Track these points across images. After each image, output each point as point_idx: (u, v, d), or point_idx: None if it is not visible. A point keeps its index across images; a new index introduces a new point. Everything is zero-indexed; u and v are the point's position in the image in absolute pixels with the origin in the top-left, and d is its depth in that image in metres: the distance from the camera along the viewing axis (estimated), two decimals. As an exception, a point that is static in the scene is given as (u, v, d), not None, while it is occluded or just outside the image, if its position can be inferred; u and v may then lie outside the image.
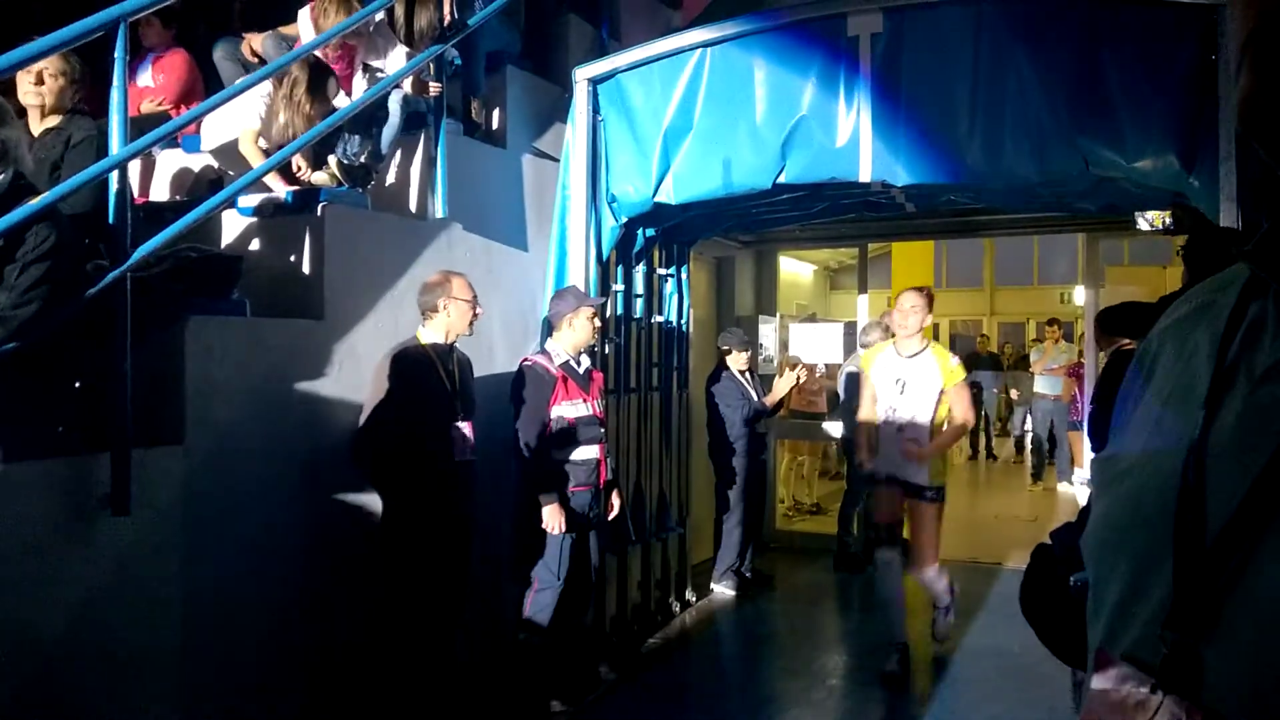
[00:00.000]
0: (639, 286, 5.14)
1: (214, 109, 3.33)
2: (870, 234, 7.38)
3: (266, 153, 3.67)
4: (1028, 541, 1.27)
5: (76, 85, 3.13)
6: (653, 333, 5.31)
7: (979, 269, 19.30)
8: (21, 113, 3.13)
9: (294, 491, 3.28)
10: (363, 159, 3.93)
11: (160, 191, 4.35)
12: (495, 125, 4.71)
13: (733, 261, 7.34)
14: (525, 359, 4.00)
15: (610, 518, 4.27)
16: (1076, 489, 8.94)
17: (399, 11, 4.43)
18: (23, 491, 2.40)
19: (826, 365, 7.61)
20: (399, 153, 4.20)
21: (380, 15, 4.08)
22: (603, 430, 4.11)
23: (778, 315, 7.83)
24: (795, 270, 9.88)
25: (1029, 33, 3.72)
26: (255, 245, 3.68)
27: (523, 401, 3.86)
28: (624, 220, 4.67)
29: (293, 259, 3.54)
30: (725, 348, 5.91)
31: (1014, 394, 12.62)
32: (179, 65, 4.46)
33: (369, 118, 3.90)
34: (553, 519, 3.76)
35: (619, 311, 4.93)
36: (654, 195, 4.44)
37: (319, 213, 3.49)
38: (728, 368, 5.85)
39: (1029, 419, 10.84)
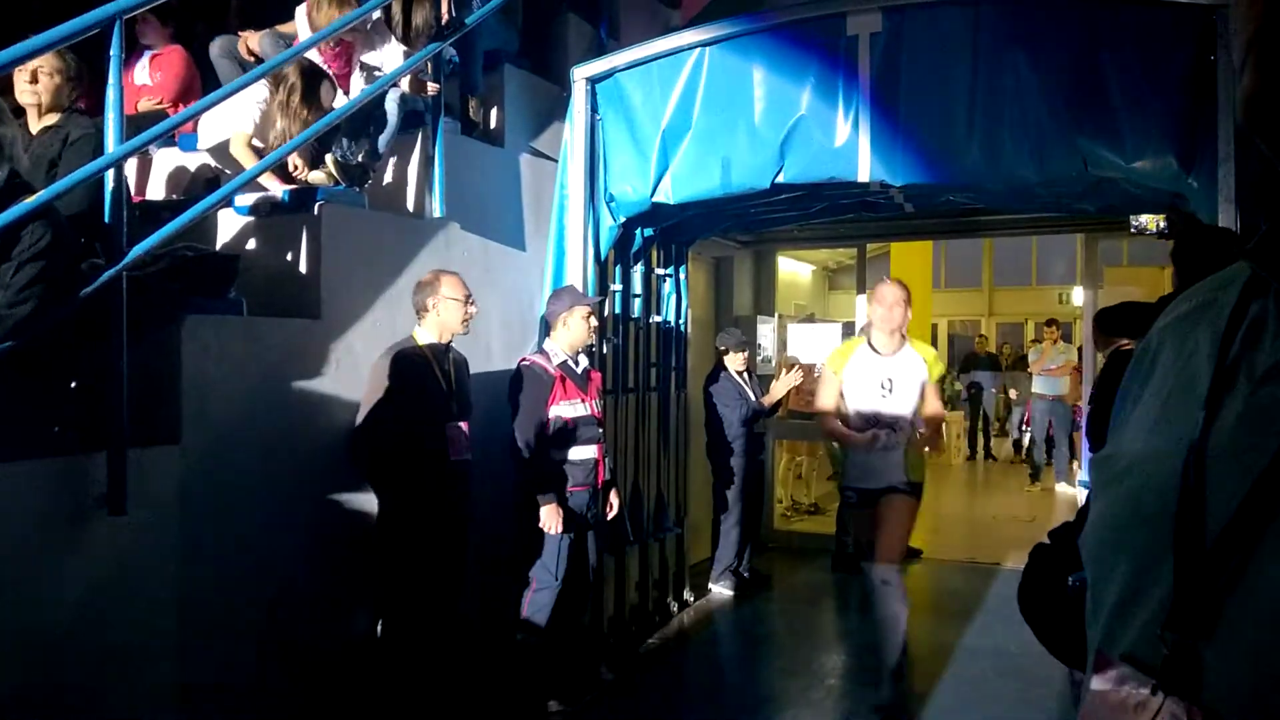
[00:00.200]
0: (637, 286, 5.13)
1: (210, 107, 3.32)
2: (869, 234, 7.38)
3: (260, 155, 3.66)
4: (1026, 541, 1.26)
5: (73, 83, 3.12)
6: (651, 333, 5.30)
7: (977, 269, 19.32)
8: (22, 112, 3.13)
9: (291, 491, 3.28)
10: (360, 158, 3.92)
11: (157, 190, 4.34)
12: (493, 124, 4.70)
13: (731, 261, 7.34)
14: (523, 359, 4.00)
15: (609, 518, 4.27)
16: (1077, 489, 8.94)
17: (396, 10, 4.42)
18: (19, 491, 2.39)
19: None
20: (396, 152, 4.19)
21: (377, 14, 4.08)
22: (601, 430, 4.10)
23: (776, 315, 7.83)
24: (794, 270, 9.88)
25: (1028, 33, 3.72)
26: (252, 244, 3.67)
27: (521, 401, 3.85)
28: (622, 220, 4.66)
29: (289, 258, 3.54)
30: (722, 348, 5.91)
31: (1012, 394, 12.63)
32: (177, 63, 4.46)
33: (366, 117, 3.90)
34: (550, 519, 3.75)
35: (617, 311, 4.92)
36: (652, 195, 4.43)
37: (316, 212, 3.49)
38: (726, 368, 5.84)
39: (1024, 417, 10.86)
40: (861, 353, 4.01)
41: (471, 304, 3.61)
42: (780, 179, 4.14)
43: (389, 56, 4.17)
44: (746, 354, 5.93)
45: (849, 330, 7.37)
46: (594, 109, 4.56)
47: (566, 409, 3.91)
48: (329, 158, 3.83)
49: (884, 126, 3.92)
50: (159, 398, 2.82)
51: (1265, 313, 0.66)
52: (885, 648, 3.95)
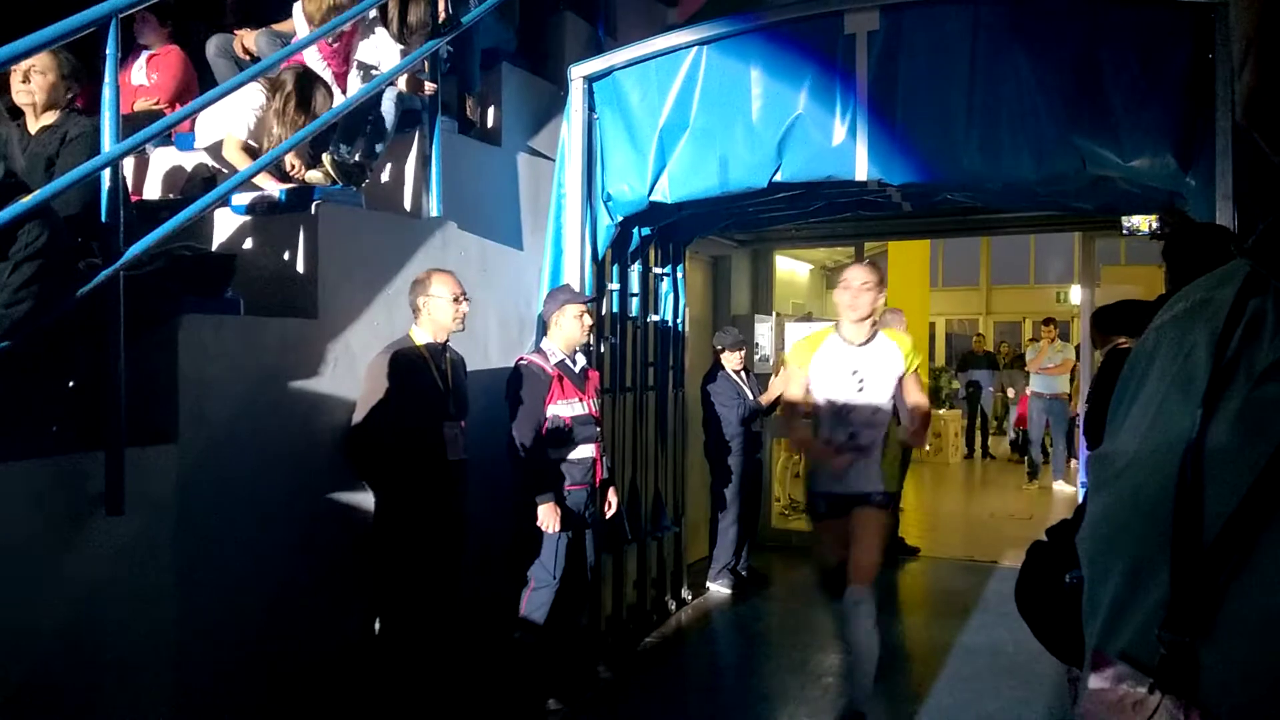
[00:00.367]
0: (635, 285, 5.13)
1: (206, 106, 3.31)
2: (866, 233, 7.37)
3: (254, 158, 3.64)
4: (1023, 540, 1.26)
5: (69, 82, 3.11)
6: (648, 332, 5.30)
7: (975, 268, 19.31)
8: (21, 113, 3.13)
9: (288, 490, 3.27)
10: (357, 157, 3.91)
11: (154, 189, 4.33)
12: (490, 123, 4.70)
13: (729, 260, 7.33)
14: (521, 358, 4.00)
15: (607, 517, 4.27)
16: (1076, 488, 8.96)
17: (392, 8, 4.41)
18: (17, 491, 2.39)
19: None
20: (393, 151, 4.18)
21: (373, 12, 4.07)
22: (598, 429, 4.10)
23: (774, 314, 7.82)
24: (791, 269, 9.87)
25: (1026, 32, 3.72)
26: (249, 244, 3.66)
27: (518, 401, 3.85)
28: (619, 219, 4.66)
29: (287, 257, 3.53)
30: (720, 347, 5.90)
31: (1010, 393, 12.64)
32: (174, 64, 4.45)
33: (363, 116, 3.89)
34: (548, 518, 3.75)
35: (615, 310, 4.92)
36: (650, 194, 4.43)
37: (313, 211, 3.48)
38: (723, 367, 5.84)
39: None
40: (830, 343, 3.69)
41: (462, 302, 3.59)
42: (778, 178, 4.14)
43: (386, 54, 4.16)
44: (742, 353, 5.93)
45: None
46: (591, 108, 4.55)
47: (564, 408, 3.91)
48: (326, 157, 3.82)
49: (881, 125, 3.92)
50: (156, 397, 2.82)
51: (1264, 310, 0.65)
52: (856, 675, 3.64)
